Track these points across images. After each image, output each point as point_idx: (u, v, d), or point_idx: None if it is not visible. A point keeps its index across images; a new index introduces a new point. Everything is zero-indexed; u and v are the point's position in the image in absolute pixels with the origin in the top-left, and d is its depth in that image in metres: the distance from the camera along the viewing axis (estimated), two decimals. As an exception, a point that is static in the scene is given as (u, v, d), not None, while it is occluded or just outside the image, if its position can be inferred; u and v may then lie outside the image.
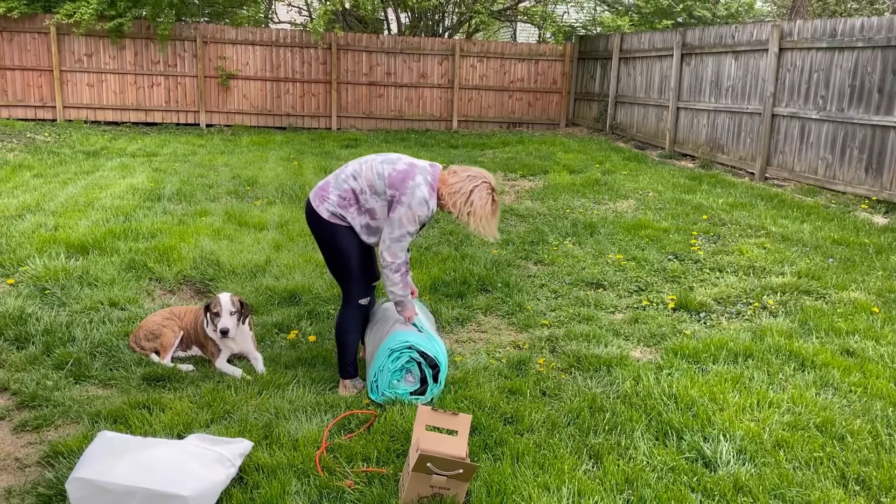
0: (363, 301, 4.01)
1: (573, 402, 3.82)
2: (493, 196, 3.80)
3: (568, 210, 8.39)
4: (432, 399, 3.83)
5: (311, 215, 3.90)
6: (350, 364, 4.00)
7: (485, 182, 3.80)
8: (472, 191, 3.76)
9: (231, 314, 4.16)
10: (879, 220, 8.18)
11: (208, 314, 4.24)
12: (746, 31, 11.27)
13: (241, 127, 15.34)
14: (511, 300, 5.45)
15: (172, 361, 4.29)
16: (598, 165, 11.35)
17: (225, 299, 4.19)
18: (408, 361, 3.79)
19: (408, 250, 3.85)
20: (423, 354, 3.79)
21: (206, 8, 16.75)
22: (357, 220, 3.83)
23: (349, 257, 3.90)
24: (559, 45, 17.34)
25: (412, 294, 4.17)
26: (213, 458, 2.96)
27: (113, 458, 2.85)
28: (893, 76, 8.62)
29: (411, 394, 3.81)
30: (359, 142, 13.84)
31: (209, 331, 4.26)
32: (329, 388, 4.00)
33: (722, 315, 5.28)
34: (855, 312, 5.23)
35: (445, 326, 5.01)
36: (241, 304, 4.26)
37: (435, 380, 3.83)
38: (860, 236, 7.29)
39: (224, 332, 4.13)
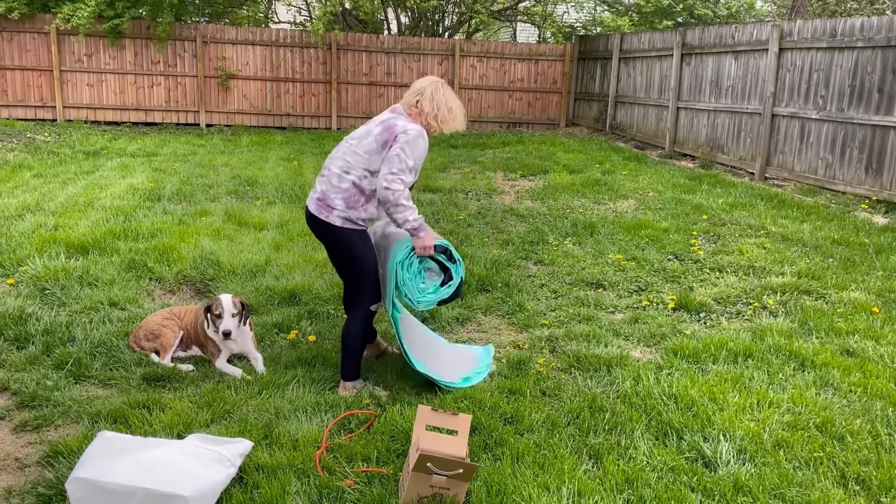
0: (374, 307, 3.98)
1: (573, 402, 3.82)
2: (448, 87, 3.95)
3: (568, 210, 8.39)
4: (461, 280, 3.91)
5: (322, 227, 3.82)
6: (355, 365, 3.97)
7: (435, 82, 3.90)
8: (444, 98, 3.86)
9: (233, 316, 4.16)
10: (879, 220, 8.18)
11: (209, 315, 4.23)
12: (746, 31, 11.27)
13: (241, 127, 15.34)
14: (511, 300, 5.45)
15: (172, 361, 4.29)
16: (598, 165, 11.35)
17: (227, 301, 4.18)
18: (420, 262, 3.83)
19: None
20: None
21: (206, 8, 16.75)
22: (372, 209, 3.82)
23: (365, 263, 3.86)
24: (559, 45, 17.34)
25: None
26: (213, 458, 2.96)
27: (113, 458, 2.85)
28: (893, 76, 8.62)
29: (441, 285, 3.89)
30: (359, 142, 13.81)
31: (210, 332, 4.26)
32: (329, 388, 4.00)
33: (722, 315, 5.28)
34: (855, 312, 5.23)
35: (445, 326, 5.01)
36: (242, 304, 4.26)
37: (452, 259, 3.88)
38: (860, 236, 7.29)
39: (226, 335, 4.12)
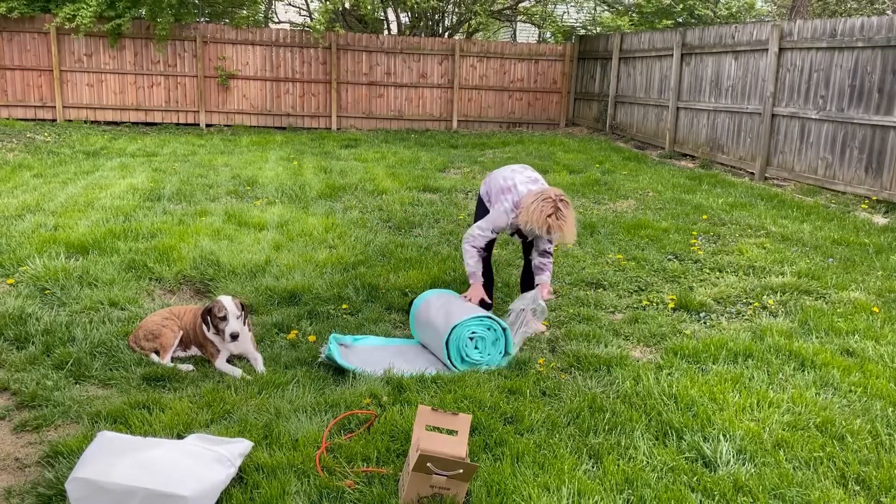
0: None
1: (573, 402, 3.82)
2: (555, 206, 4.53)
3: (568, 210, 8.38)
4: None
5: None
6: None
7: (547, 199, 4.54)
8: (531, 204, 4.57)
9: (237, 318, 4.17)
10: (879, 220, 8.18)
11: (209, 318, 4.21)
12: (746, 31, 11.27)
13: (241, 127, 15.33)
14: (511, 300, 5.43)
15: (172, 361, 4.29)
16: (597, 165, 11.35)
17: (229, 303, 4.18)
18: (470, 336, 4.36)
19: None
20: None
21: (205, 8, 16.75)
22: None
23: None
24: (559, 45, 17.34)
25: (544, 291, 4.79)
26: (213, 458, 2.96)
27: (113, 458, 2.85)
28: (893, 76, 8.62)
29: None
30: (359, 142, 13.84)
31: (210, 335, 4.25)
32: (329, 387, 4.00)
33: (722, 315, 5.28)
34: (855, 312, 5.23)
35: (445, 326, 5.00)
36: (242, 305, 4.26)
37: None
38: (860, 236, 7.29)
39: (234, 337, 4.13)
